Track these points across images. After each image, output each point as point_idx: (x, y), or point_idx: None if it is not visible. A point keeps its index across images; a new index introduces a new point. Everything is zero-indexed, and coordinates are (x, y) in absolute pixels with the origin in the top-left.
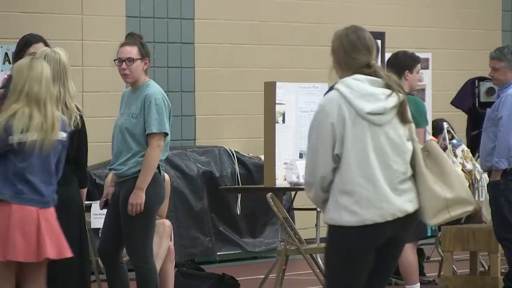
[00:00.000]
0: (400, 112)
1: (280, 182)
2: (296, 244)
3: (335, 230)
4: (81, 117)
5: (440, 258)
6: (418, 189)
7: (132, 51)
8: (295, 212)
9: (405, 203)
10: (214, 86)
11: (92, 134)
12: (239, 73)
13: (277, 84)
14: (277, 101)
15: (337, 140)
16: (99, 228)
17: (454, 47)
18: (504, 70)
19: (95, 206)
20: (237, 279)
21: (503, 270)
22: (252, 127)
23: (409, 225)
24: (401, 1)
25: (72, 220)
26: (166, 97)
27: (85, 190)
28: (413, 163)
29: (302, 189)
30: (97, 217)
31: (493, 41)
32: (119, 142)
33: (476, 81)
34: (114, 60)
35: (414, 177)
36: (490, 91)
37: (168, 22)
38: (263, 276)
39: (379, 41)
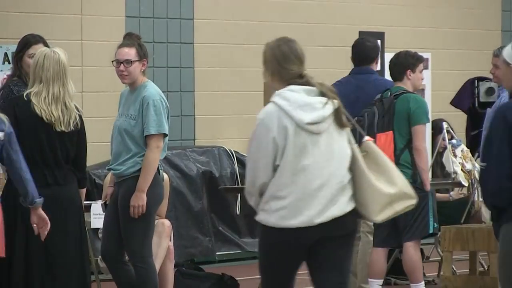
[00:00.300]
0: (337, 118)
1: None
2: None
3: (264, 229)
4: (80, 117)
5: (439, 258)
6: (361, 189)
7: (130, 52)
8: None
9: (335, 209)
10: (214, 86)
11: (91, 134)
12: (239, 73)
13: None
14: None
15: (278, 152)
16: (98, 228)
17: (454, 47)
18: None
19: (95, 206)
20: (236, 279)
21: None
22: (252, 127)
23: (343, 226)
24: (401, 1)
25: (71, 220)
26: (164, 97)
27: (84, 190)
28: (352, 164)
29: None
30: (96, 217)
31: (492, 41)
32: (118, 143)
33: (476, 81)
34: (112, 61)
35: (355, 178)
36: (490, 91)
37: (168, 22)
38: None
39: (378, 41)
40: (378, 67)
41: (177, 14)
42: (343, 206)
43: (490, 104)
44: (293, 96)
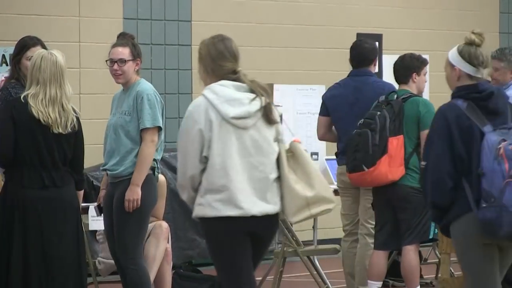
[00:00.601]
0: (265, 114)
1: None
2: (293, 246)
3: (202, 223)
4: (77, 119)
5: (437, 260)
6: (281, 189)
7: (124, 52)
8: None
9: (265, 205)
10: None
11: (89, 136)
12: None
13: (274, 86)
14: (274, 103)
15: (205, 144)
16: (96, 230)
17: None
18: (503, 70)
19: (92, 208)
20: None
21: None
22: None
23: (271, 226)
24: (398, 3)
25: (69, 222)
26: (158, 93)
27: (82, 192)
28: (278, 163)
29: None
30: (94, 219)
31: (490, 43)
32: (112, 141)
33: None
34: (106, 60)
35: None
36: None
37: (166, 24)
38: (260, 278)
39: (376, 43)
40: (376, 69)
41: (174, 16)
42: (276, 205)
43: None
44: (222, 90)
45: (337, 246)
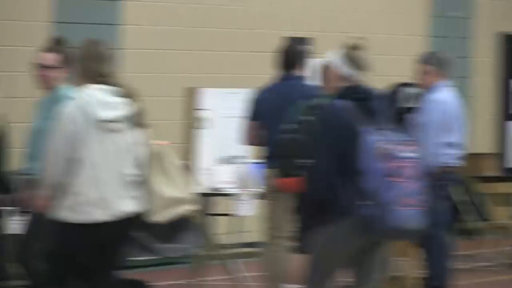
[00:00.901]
0: (133, 119)
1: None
2: (213, 249)
3: (61, 227)
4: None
5: None
6: (144, 190)
7: (52, 58)
8: (213, 217)
9: (129, 205)
10: (139, 91)
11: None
12: (162, 79)
13: (199, 90)
14: (199, 107)
15: (73, 145)
16: None
17: (381, 53)
18: (431, 74)
19: None
20: (152, 284)
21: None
22: (172, 133)
23: (132, 225)
24: (328, 6)
25: None
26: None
27: None
28: (142, 165)
29: (221, 195)
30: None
31: (420, 47)
32: (35, 145)
33: (398, 87)
34: (33, 64)
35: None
36: (410, 97)
37: (94, 28)
38: (179, 282)
39: (305, 47)
40: (305, 73)
41: (106, 20)
42: (138, 205)
43: (411, 110)
44: (95, 94)
45: (258, 249)
